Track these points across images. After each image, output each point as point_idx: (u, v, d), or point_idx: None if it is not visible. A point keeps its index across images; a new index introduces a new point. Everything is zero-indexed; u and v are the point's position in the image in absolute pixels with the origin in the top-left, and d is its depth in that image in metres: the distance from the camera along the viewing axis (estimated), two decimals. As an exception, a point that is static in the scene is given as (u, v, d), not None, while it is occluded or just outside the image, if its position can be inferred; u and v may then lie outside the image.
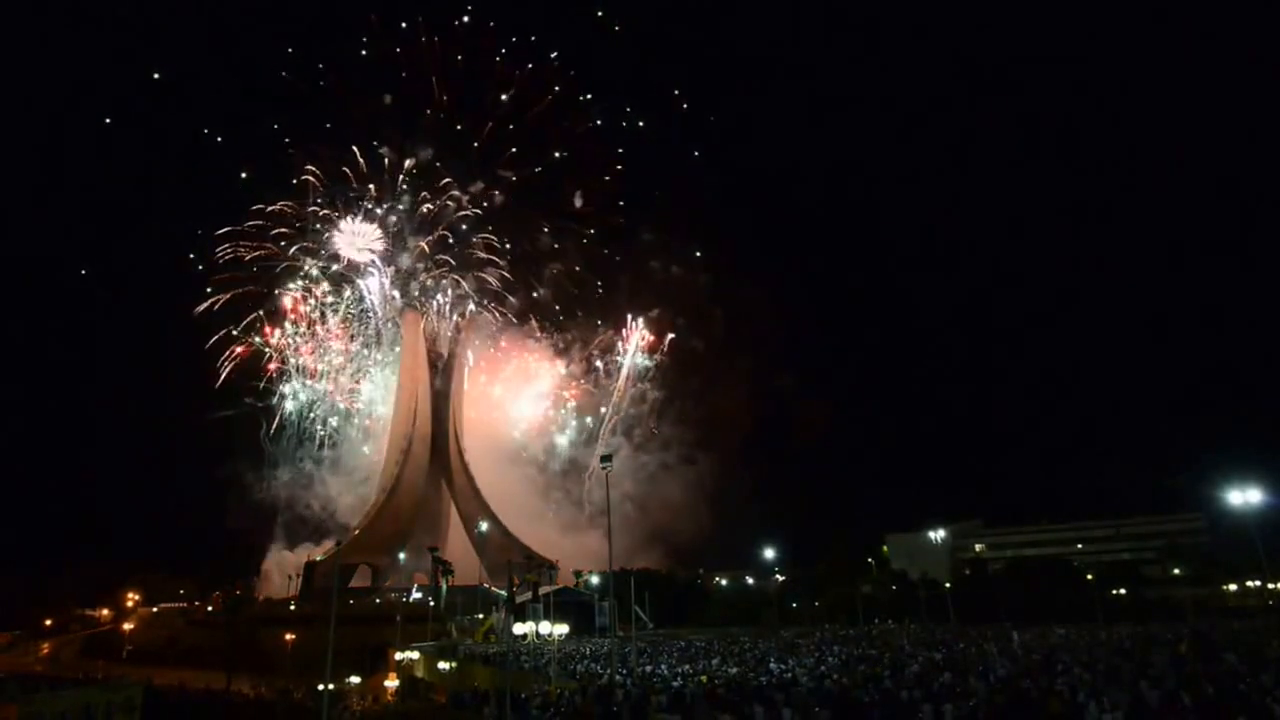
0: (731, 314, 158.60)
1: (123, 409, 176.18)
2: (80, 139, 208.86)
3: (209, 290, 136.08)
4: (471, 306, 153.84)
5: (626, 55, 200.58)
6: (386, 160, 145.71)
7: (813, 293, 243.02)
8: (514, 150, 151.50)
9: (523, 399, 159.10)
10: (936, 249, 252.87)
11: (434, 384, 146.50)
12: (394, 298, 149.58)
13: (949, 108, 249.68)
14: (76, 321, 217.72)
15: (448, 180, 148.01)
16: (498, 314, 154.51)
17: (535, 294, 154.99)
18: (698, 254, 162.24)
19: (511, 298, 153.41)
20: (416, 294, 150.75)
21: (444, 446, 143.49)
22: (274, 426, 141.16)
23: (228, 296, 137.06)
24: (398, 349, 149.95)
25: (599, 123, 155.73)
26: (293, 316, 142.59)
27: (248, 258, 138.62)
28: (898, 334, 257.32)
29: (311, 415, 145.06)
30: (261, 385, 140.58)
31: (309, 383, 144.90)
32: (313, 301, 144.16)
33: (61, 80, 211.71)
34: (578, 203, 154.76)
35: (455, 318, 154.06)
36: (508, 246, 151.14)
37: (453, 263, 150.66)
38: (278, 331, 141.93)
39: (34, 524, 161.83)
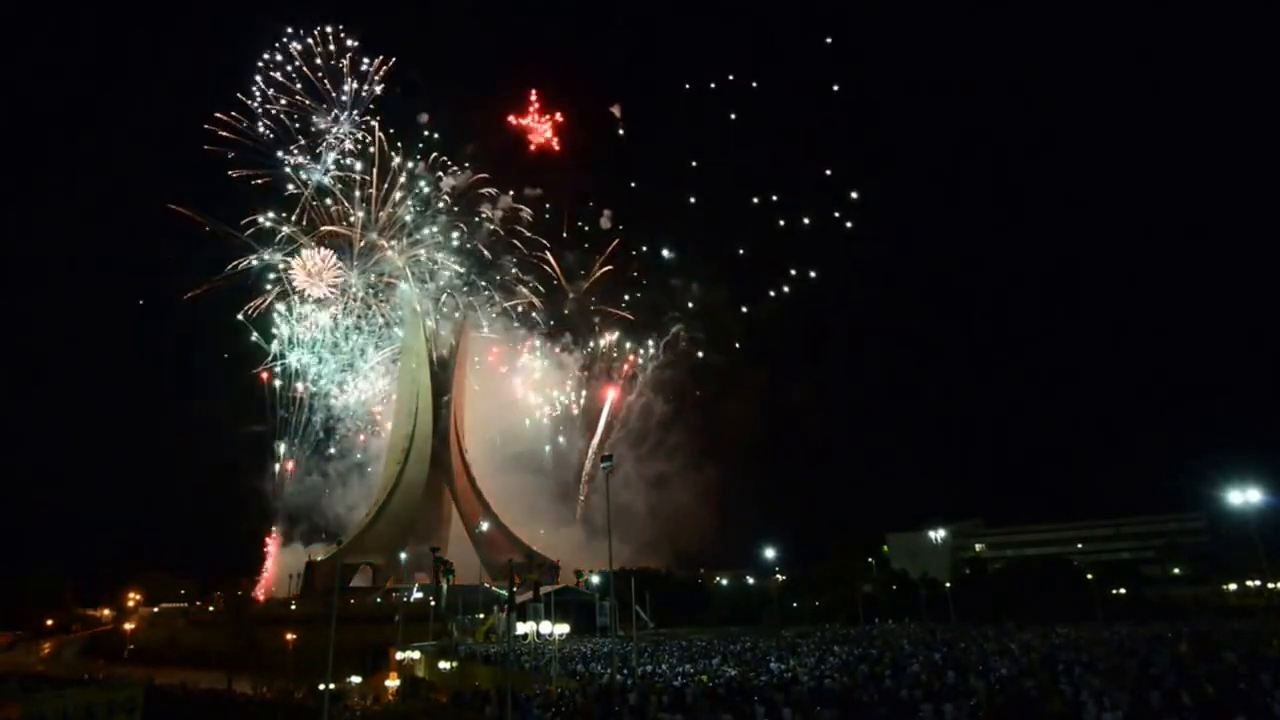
0: (741, 323, 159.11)
1: (131, 412, 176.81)
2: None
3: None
4: (472, 305, 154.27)
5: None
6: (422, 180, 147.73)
7: (813, 293, 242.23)
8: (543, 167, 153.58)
9: (528, 402, 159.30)
10: (936, 249, 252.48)
11: (435, 384, 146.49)
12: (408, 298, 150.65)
13: (951, 103, 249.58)
14: (82, 324, 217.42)
15: (475, 191, 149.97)
16: (507, 317, 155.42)
17: (537, 301, 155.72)
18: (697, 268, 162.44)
19: (521, 304, 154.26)
20: (429, 292, 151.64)
21: (445, 446, 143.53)
22: (291, 429, 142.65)
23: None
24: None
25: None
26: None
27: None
28: (898, 334, 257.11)
29: (324, 418, 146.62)
30: (279, 390, 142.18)
31: (326, 385, 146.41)
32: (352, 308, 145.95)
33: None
34: (605, 225, 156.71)
35: (455, 308, 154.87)
36: (517, 262, 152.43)
37: (479, 280, 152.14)
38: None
39: (36, 523, 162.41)
